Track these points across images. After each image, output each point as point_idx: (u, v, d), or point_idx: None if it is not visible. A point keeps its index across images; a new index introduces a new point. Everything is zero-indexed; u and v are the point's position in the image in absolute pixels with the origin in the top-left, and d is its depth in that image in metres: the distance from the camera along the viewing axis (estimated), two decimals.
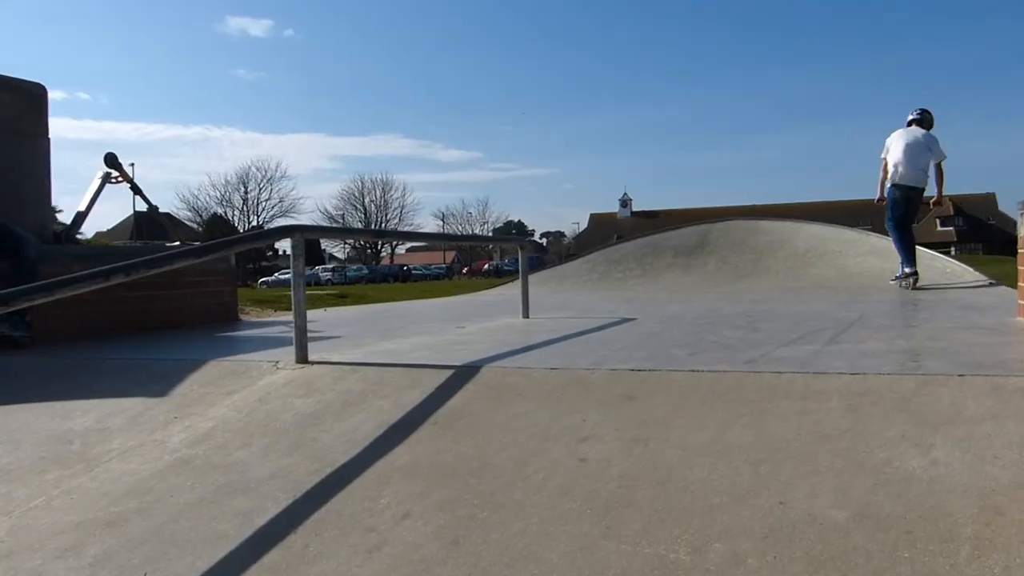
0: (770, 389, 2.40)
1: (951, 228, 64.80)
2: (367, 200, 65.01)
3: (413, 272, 53.65)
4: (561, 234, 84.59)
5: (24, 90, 5.09)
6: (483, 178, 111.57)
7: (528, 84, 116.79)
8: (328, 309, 8.30)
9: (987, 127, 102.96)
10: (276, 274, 46.92)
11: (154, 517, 1.99)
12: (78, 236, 6.73)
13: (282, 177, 70.54)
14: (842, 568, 1.54)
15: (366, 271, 52.27)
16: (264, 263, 55.49)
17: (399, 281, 44.66)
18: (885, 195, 7.23)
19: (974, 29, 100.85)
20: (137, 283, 4.78)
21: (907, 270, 6.99)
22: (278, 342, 4.10)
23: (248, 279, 44.10)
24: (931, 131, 7.18)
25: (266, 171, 59.49)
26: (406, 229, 65.11)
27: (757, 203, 63.32)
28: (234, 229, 51.91)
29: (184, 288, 5.44)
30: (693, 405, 2.36)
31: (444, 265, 62.90)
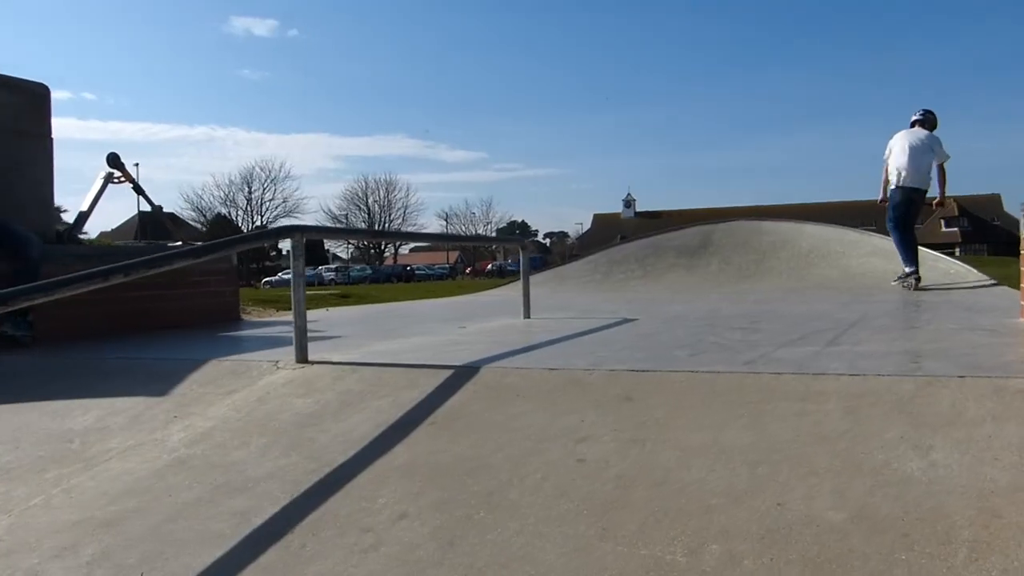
0: (769, 390, 2.39)
1: (955, 229, 64.63)
2: (371, 200, 65.16)
3: (416, 272, 53.73)
4: (565, 234, 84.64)
5: (26, 90, 5.10)
6: (487, 178, 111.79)
7: (533, 84, 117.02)
8: (330, 309, 8.31)
9: (988, 127, 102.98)
10: (279, 274, 46.97)
11: (152, 516, 1.99)
12: (81, 236, 6.75)
13: (286, 177, 71.05)
14: (839, 570, 1.53)
15: (369, 271, 52.33)
16: (268, 263, 55.61)
17: (402, 281, 44.73)
18: (887, 196, 7.22)
19: (974, 29, 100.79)
20: (139, 283, 4.79)
21: (907, 270, 6.97)
22: (279, 342, 4.10)
23: (252, 279, 44.20)
24: (934, 132, 7.16)
25: (270, 171, 59.74)
26: (409, 229, 65.16)
27: (761, 203, 63.26)
28: (238, 229, 52.00)
29: (186, 288, 5.45)
30: (691, 406, 2.36)
31: (447, 265, 62.96)
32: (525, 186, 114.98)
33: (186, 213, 55.04)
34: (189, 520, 1.95)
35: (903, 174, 6.98)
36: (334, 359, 3.20)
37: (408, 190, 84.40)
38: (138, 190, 6.66)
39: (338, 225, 57.76)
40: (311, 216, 61.17)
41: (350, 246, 67.02)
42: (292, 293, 3.25)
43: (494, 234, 69.07)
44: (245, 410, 2.70)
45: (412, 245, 69.71)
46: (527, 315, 5.09)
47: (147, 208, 7.26)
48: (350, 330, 4.96)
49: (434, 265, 62.11)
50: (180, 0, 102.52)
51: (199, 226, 53.57)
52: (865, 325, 4.03)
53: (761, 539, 1.65)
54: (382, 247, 63.48)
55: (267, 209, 57.76)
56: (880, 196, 7.38)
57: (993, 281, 7.12)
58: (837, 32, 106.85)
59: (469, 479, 2.03)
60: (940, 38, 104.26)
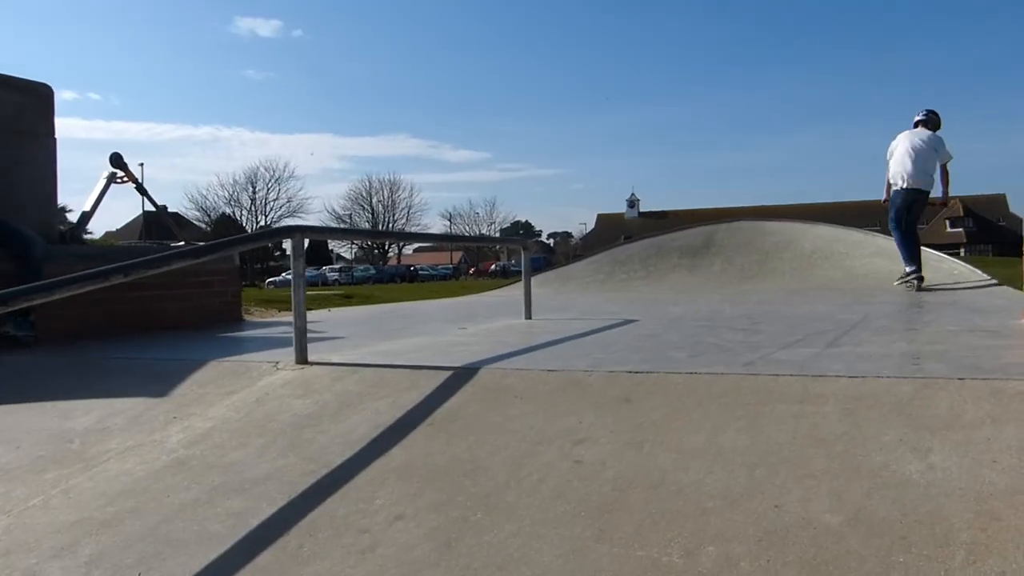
0: (767, 392, 2.39)
1: (960, 229, 64.38)
2: (374, 200, 65.26)
3: (420, 272, 53.75)
4: (568, 235, 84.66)
5: (30, 90, 5.12)
6: (491, 178, 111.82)
7: (535, 84, 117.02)
8: (333, 309, 8.32)
9: (989, 127, 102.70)
10: (283, 274, 47.02)
11: (149, 517, 1.99)
12: (85, 235, 6.78)
13: (290, 177, 71.11)
14: (835, 572, 1.53)
15: (373, 271, 52.38)
16: (272, 263, 55.68)
17: (406, 281, 44.78)
18: (890, 196, 7.21)
19: (974, 29, 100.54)
20: (141, 283, 4.80)
21: (908, 270, 6.97)
22: (280, 342, 4.11)
23: (256, 279, 44.27)
24: (937, 132, 7.14)
25: (274, 171, 59.75)
26: (413, 230, 65.19)
27: (765, 203, 63.14)
28: (242, 229, 52.10)
29: (188, 288, 5.47)
30: (689, 408, 2.35)
31: (451, 265, 62.98)
32: (529, 186, 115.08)
33: (190, 213, 55.26)
34: (186, 521, 1.96)
35: (905, 175, 6.96)
36: (334, 360, 3.20)
37: (412, 190, 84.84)
38: (141, 190, 6.69)
39: (342, 225, 57.82)
40: (315, 216, 61.33)
41: (354, 246, 67.17)
42: (292, 294, 3.25)
43: (497, 234, 69.08)
44: (244, 411, 2.70)
45: (416, 245, 69.74)
46: (528, 316, 5.09)
47: (151, 208, 7.29)
48: (351, 331, 4.96)
49: (438, 265, 62.12)
50: (185, 1, 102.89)
51: (203, 226, 53.70)
52: (866, 326, 4.02)
53: (758, 541, 1.64)
54: (386, 247, 63.57)
55: (271, 209, 57.91)
56: (884, 196, 7.37)
57: (997, 282, 7.10)
58: (837, 32, 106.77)
59: (466, 480, 2.03)
60: (940, 38, 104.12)
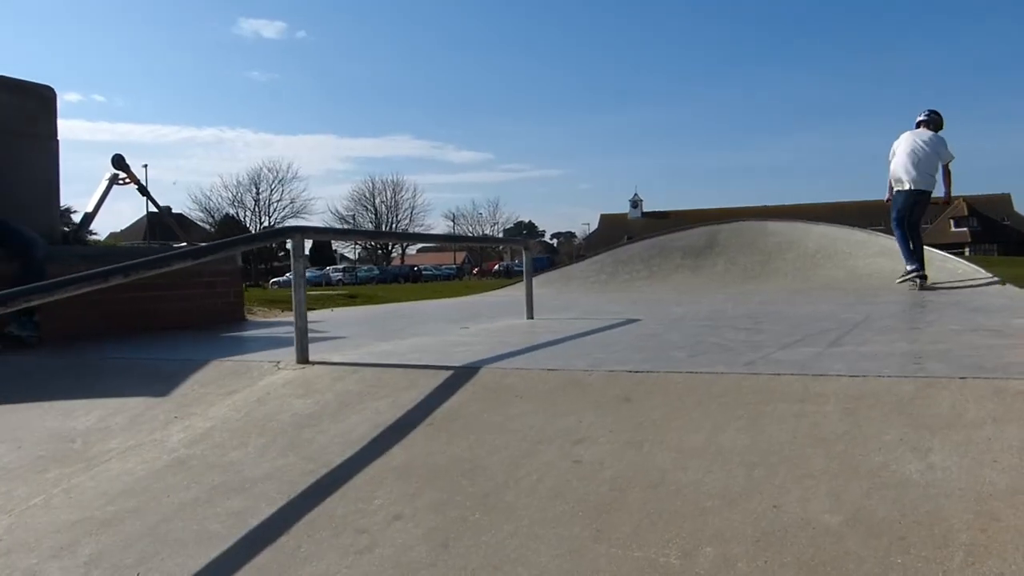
0: (767, 391, 2.38)
1: (965, 229, 64.19)
2: (378, 201, 65.39)
3: (423, 273, 53.78)
4: (572, 235, 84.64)
5: (33, 92, 5.13)
6: (494, 179, 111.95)
7: (541, 84, 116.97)
8: (335, 309, 8.33)
9: (989, 127, 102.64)
10: (287, 274, 46.98)
11: (149, 517, 2.00)
12: (89, 237, 6.79)
13: (294, 178, 71.53)
14: (833, 573, 1.52)
15: (377, 272, 52.44)
16: (276, 263, 55.78)
17: (409, 281, 44.80)
18: (893, 197, 7.20)
19: (974, 29, 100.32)
20: (144, 284, 4.82)
21: (908, 268, 6.96)
22: (281, 342, 4.11)
23: (260, 279, 44.35)
24: (939, 132, 7.13)
25: (278, 172, 59.94)
26: (416, 230, 65.26)
27: (768, 204, 63.06)
28: (246, 230, 52.19)
29: (191, 289, 5.48)
30: (689, 407, 2.35)
31: (455, 266, 63.04)
32: (532, 187, 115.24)
33: (195, 214, 55.39)
34: (186, 520, 1.96)
35: (907, 176, 6.95)
36: (334, 360, 3.20)
37: (415, 191, 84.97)
38: (143, 192, 6.70)
39: (345, 226, 57.91)
40: (319, 217, 61.45)
41: (357, 247, 67.25)
42: (292, 294, 3.26)
43: (501, 235, 69.09)
44: (244, 411, 2.71)
45: (420, 246, 69.83)
46: (530, 316, 5.09)
47: (155, 209, 7.31)
48: (353, 331, 4.97)
49: (441, 265, 62.19)
50: (189, 3, 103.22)
51: (208, 227, 53.83)
52: (869, 326, 4.01)
53: (756, 542, 1.64)
54: (389, 248, 63.63)
55: (275, 210, 58.03)
56: (887, 196, 7.36)
57: (1000, 281, 7.08)
58: (837, 32, 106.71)
59: (465, 480, 2.03)
60: (940, 38, 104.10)
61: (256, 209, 57.95)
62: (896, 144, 7.19)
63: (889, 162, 7.23)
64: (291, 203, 58.42)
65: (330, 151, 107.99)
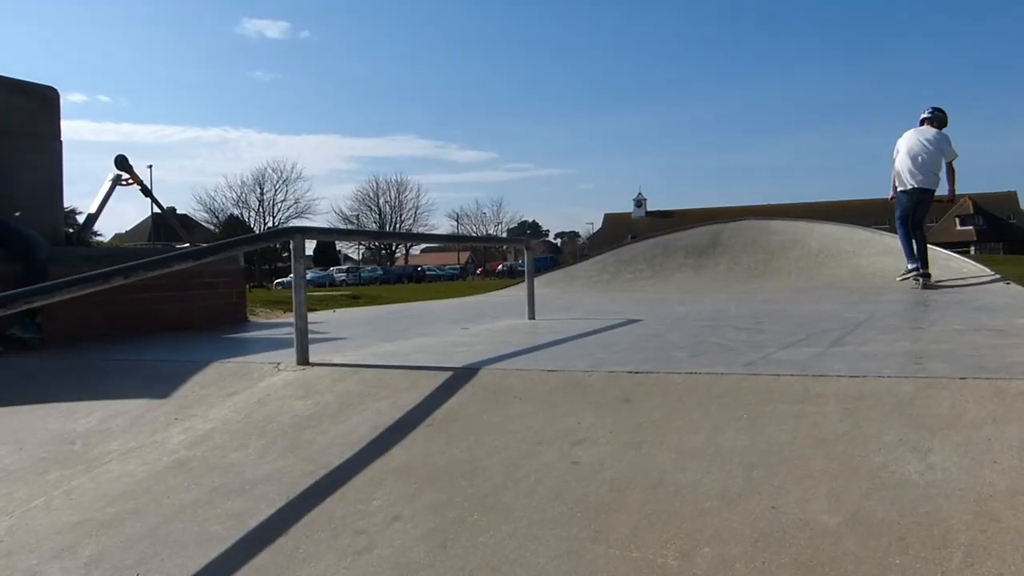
0: (768, 392, 2.37)
1: (971, 227, 63.94)
2: (381, 201, 65.39)
3: (427, 273, 53.82)
4: (576, 234, 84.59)
5: (36, 93, 5.15)
6: (498, 178, 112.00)
7: (544, 84, 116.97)
8: (338, 310, 8.35)
9: (989, 127, 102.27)
10: (291, 275, 47.10)
11: (149, 518, 2.00)
12: (92, 237, 6.81)
13: (298, 178, 71.57)
14: (831, 574, 1.52)
15: (380, 272, 52.47)
16: (280, 264, 55.84)
17: (413, 282, 44.83)
18: (896, 195, 7.19)
19: (974, 29, 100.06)
20: (146, 285, 4.83)
21: (909, 266, 6.94)
22: (282, 343, 4.12)
23: (264, 280, 44.41)
24: (943, 130, 7.10)
25: (282, 172, 60.03)
26: (420, 230, 65.30)
27: (771, 203, 62.95)
28: (250, 230, 52.20)
29: (193, 289, 5.49)
30: (689, 408, 2.34)
31: (458, 266, 63.04)
32: (536, 186, 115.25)
33: (199, 214, 55.47)
34: (186, 522, 1.96)
35: (910, 174, 6.93)
36: (335, 361, 3.21)
37: (419, 190, 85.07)
38: (146, 192, 6.72)
39: (349, 226, 57.96)
40: (323, 217, 61.46)
41: (361, 247, 67.30)
42: (293, 295, 3.26)
43: (505, 234, 69.08)
44: (245, 412, 2.71)
45: (423, 246, 69.87)
46: (532, 316, 5.09)
47: (159, 210, 7.32)
48: (355, 331, 4.97)
49: (445, 266, 62.20)
50: (193, 4, 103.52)
51: (212, 227, 53.91)
52: (871, 325, 4.00)
53: (754, 542, 1.64)
54: (393, 248, 63.64)
55: (279, 210, 58.02)
56: (891, 194, 7.35)
57: (1005, 279, 7.04)
58: (837, 32, 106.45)
59: (464, 481, 2.03)
60: (940, 38, 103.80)
61: (260, 209, 58.00)
62: (900, 142, 7.17)
63: (893, 160, 7.21)
64: (295, 203, 58.44)
65: (334, 151, 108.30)
